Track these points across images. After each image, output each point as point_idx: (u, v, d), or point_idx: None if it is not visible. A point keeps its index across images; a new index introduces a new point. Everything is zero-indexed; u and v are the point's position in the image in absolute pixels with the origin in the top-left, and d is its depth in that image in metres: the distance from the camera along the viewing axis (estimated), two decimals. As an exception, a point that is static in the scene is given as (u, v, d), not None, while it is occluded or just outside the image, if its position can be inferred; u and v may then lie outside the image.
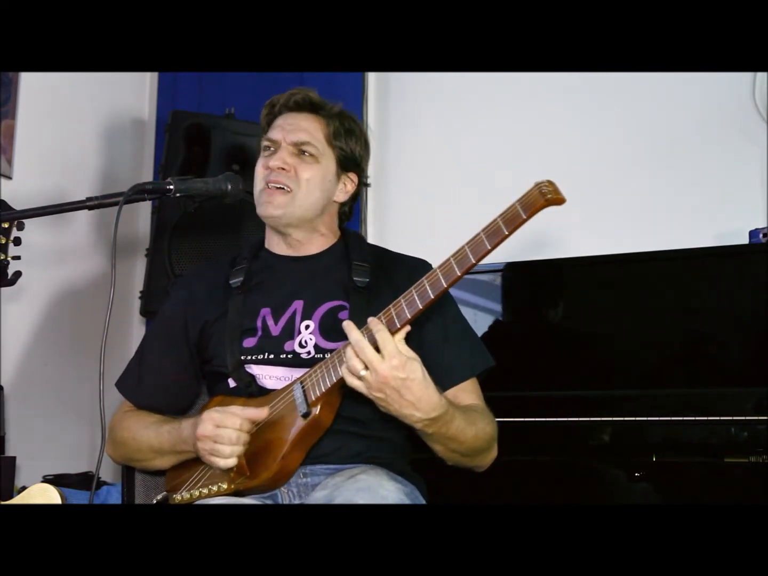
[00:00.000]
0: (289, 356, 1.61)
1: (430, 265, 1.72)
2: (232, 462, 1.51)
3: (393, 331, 1.40)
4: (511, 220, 1.30)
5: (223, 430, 1.49)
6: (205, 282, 1.77)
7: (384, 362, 1.36)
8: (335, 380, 1.47)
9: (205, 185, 1.66)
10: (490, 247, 1.32)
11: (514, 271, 2.51)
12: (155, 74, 3.42)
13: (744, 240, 2.42)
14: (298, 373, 1.58)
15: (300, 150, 1.69)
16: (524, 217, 1.28)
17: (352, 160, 1.74)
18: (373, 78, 3.20)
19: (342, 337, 1.55)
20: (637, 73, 2.65)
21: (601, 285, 2.43)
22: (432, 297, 1.38)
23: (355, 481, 1.46)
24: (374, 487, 1.43)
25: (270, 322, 1.65)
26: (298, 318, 1.64)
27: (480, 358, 1.69)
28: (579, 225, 2.77)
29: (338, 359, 1.47)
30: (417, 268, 1.69)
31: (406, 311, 1.39)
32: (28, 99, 2.83)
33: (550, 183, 1.28)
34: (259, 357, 1.62)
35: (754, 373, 2.11)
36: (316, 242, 1.75)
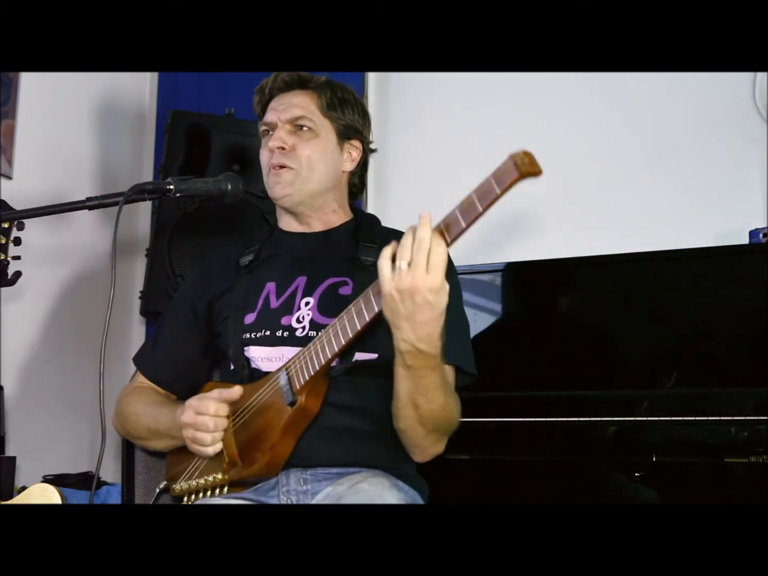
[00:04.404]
0: (285, 333, 1.61)
1: None
2: (213, 449, 1.52)
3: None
4: (485, 196, 1.23)
5: (200, 417, 1.52)
6: (222, 260, 1.79)
7: (428, 275, 1.27)
8: (318, 367, 1.47)
9: (205, 185, 1.67)
10: (464, 226, 1.26)
11: (514, 271, 2.51)
12: (155, 74, 3.41)
13: (744, 240, 2.41)
14: (289, 352, 1.58)
15: (297, 126, 1.70)
16: (498, 192, 1.21)
17: (351, 128, 1.75)
18: (373, 78, 3.19)
19: (339, 312, 1.49)
20: (637, 74, 2.64)
21: (601, 285, 2.42)
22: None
23: (356, 492, 1.45)
24: (376, 501, 1.42)
25: (272, 297, 1.66)
26: (299, 294, 1.65)
27: (463, 355, 1.62)
28: (579, 225, 2.77)
29: (320, 344, 1.46)
30: None
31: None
32: (28, 99, 2.83)
33: (526, 154, 1.19)
34: (257, 335, 1.63)
35: (754, 373, 2.10)
36: (327, 218, 1.75)
